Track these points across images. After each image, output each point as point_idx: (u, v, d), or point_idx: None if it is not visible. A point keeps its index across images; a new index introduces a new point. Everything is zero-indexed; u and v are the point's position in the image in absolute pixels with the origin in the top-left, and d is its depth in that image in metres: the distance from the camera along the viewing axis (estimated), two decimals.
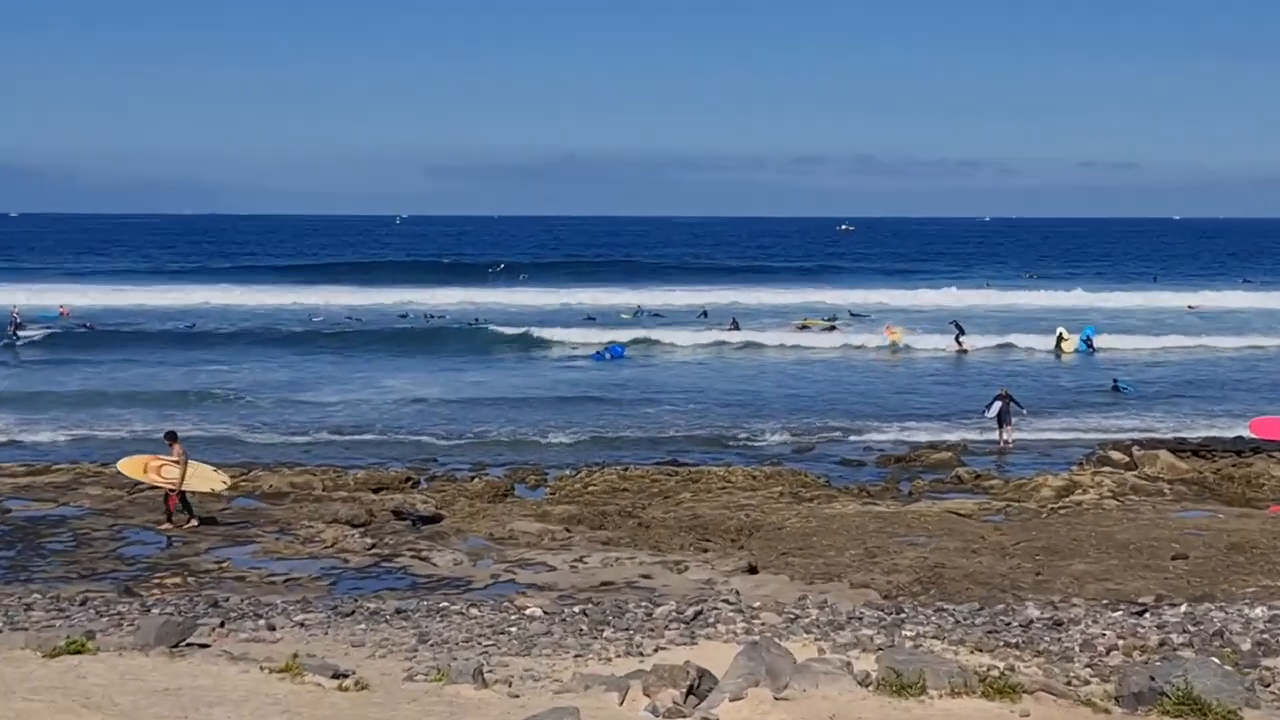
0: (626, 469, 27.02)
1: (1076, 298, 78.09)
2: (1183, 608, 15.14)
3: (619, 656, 12.40)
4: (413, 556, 19.93)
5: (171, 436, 23.38)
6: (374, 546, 20.47)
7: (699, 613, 14.53)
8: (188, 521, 22.02)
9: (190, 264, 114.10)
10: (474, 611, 15.14)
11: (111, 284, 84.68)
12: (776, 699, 8.29)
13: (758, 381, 43.95)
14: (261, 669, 9.86)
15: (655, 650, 12.67)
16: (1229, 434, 31.92)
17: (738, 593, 16.63)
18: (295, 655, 10.65)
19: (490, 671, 11.07)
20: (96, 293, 78.01)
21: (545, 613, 14.96)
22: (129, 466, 23.19)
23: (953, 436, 32.66)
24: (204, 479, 23.21)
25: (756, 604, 15.28)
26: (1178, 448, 29.24)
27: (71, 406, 36.99)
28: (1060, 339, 53.78)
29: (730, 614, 14.50)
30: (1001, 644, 12.93)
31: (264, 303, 75.93)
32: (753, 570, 18.76)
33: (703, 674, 9.06)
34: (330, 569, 19.24)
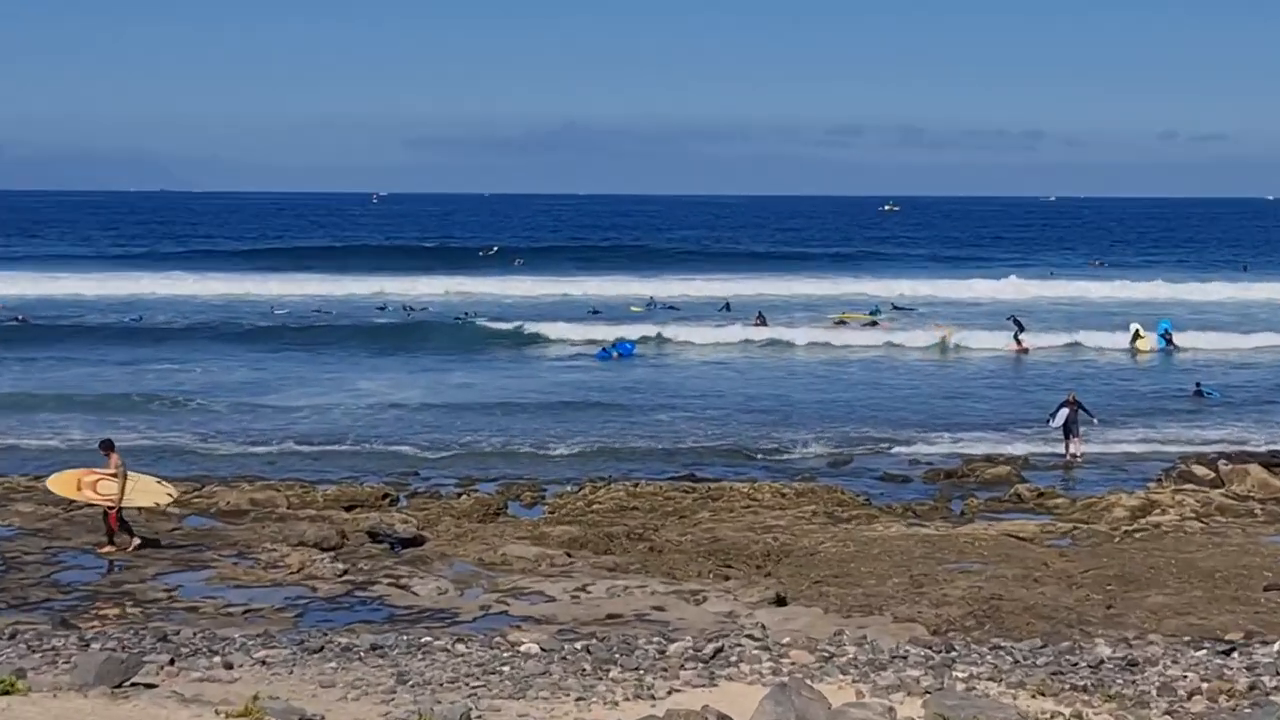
0: (636, 485, 27.02)
1: (1154, 289, 78.02)
2: (1276, 646, 15.11)
3: (627, 700, 12.40)
4: (391, 584, 19.96)
5: (108, 446, 23.35)
6: (346, 573, 20.50)
7: (719, 650, 14.52)
8: (130, 542, 22.06)
9: (136, 248, 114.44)
10: (461, 648, 15.15)
11: (45, 270, 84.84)
12: None
13: (787, 385, 43.91)
14: (217, 713, 9.89)
15: (669, 693, 12.67)
16: None
17: (764, 627, 16.62)
18: (255, 697, 10.67)
19: (479, 716, 11.08)
20: (27, 281, 78.18)
21: (543, 649, 14.96)
22: (59, 484, 23.20)
23: (1012, 448, 32.61)
24: (147, 492, 23.22)
25: (785, 640, 15.27)
26: (1271, 462, 29.15)
27: None
28: (1136, 336, 53.70)
29: (755, 651, 14.49)
30: (1067, 687, 12.91)
31: (221, 292, 76.07)
32: (781, 601, 18.75)
33: None
34: (296, 598, 19.27)
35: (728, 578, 20.30)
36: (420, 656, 14.71)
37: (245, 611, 18.44)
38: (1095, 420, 33.53)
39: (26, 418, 36.11)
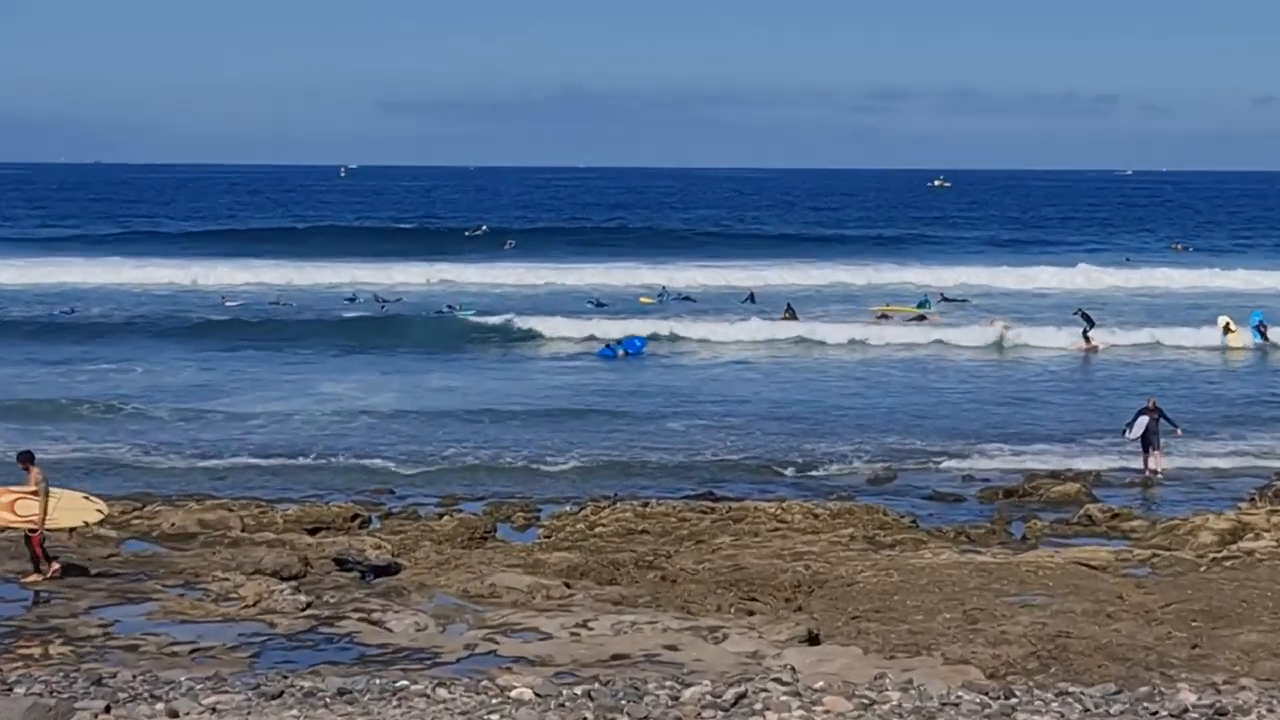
0: (645, 505, 27.02)
1: (1247, 278, 77.78)
2: None
3: None
4: (361, 619, 19.95)
5: (27, 459, 23.19)
6: (310, 606, 20.50)
7: (742, 696, 14.53)
8: (52, 569, 22.04)
9: (67, 229, 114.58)
10: (442, 693, 15.16)
11: None
12: None
13: (820, 389, 43.91)
14: None
15: None
16: None
17: (794, 669, 16.62)
18: None
19: None
20: None
21: (537, 695, 14.97)
22: None
23: (1081, 463, 32.61)
24: (72, 510, 23.07)
25: (819, 685, 15.27)
26: None
27: None
28: (1226, 332, 53.62)
29: (784, 698, 14.49)
30: None
31: (164, 281, 76.13)
32: (814, 640, 18.73)
33: None
34: (252, 636, 19.26)
35: (752, 612, 20.28)
36: (395, 703, 14.72)
37: (193, 651, 18.45)
38: (1179, 430, 33.47)
39: None
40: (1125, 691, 15.37)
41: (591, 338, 54.59)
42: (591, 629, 19.24)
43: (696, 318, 59.91)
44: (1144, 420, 32.34)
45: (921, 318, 60.91)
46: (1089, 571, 22.27)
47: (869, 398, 42.15)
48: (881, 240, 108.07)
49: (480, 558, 23.41)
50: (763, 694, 14.71)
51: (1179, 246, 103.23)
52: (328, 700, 14.84)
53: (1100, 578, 21.95)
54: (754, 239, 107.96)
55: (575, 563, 22.78)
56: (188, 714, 14.20)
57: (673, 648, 18.40)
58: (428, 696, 15.03)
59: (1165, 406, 33.77)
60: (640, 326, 55.91)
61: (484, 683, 15.88)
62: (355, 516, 26.65)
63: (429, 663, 17.89)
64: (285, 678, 16.19)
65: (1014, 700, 14.79)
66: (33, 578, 21.99)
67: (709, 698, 14.57)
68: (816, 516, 26.00)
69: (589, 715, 14.00)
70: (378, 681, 15.86)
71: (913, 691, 15.05)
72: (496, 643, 18.81)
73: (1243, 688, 15.74)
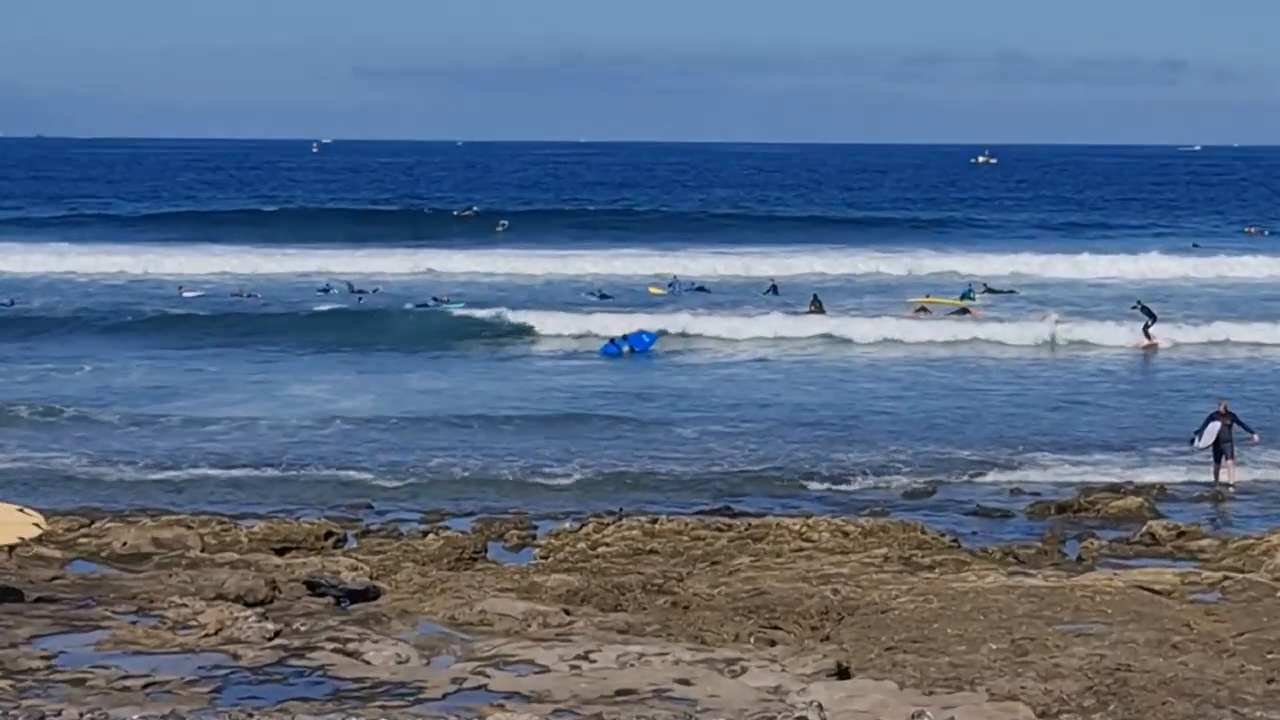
0: (654, 521, 27.03)
1: None
2: None
3: None
4: (336, 650, 19.96)
5: None
6: (278, 635, 20.52)
7: None
8: None
9: (4, 212, 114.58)
10: None
11: None
12: None
13: (851, 391, 43.93)
14: None
15: None
16: None
17: (820, 707, 16.64)
18: None
19: None
20: None
21: None
22: None
23: (1143, 475, 32.60)
24: (4, 525, 23.17)
25: None
26: None
27: None
28: None
29: None
30: None
31: (114, 270, 76.24)
32: (843, 673, 18.74)
33: None
34: (213, 668, 19.27)
35: (773, 642, 20.29)
36: None
37: (147, 685, 18.46)
38: (1255, 438, 33.49)
39: None
40: None
41: (593, 334, 54.57)
42: (594, 661, 19.25)
43: (711, 311, 60.02)
44: (1215, 427, 32.31)
45: (964, 311, 60.90)
46: (1152, 597, 22.26)
47: (905, 401, 42.16)
48: (919, 224, 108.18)
49: (469, 581, 23.41)
50: None
51: (1253, 230, 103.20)
52: None
53: (1165, 604, 21.93)
54: (776, 222, 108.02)
55: (576, 586, 22.77)
56: None
57: (685, 682, 18.40)
58: None
59: (1239, 411, 33.75)
60: (648, 321, 55.91)
61: None
62: (329, 534, 26.67)
63: (411, 699, 17.89)
64: (250, 715, 16.21)
65: None
66: None
67: None
68: (846, 535, 26.00)
69: None
70: (355, 719, 15.88)
71: None
72: (487, 676, 18.80)
73: None
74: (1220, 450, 32.11)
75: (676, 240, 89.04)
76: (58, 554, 24.74)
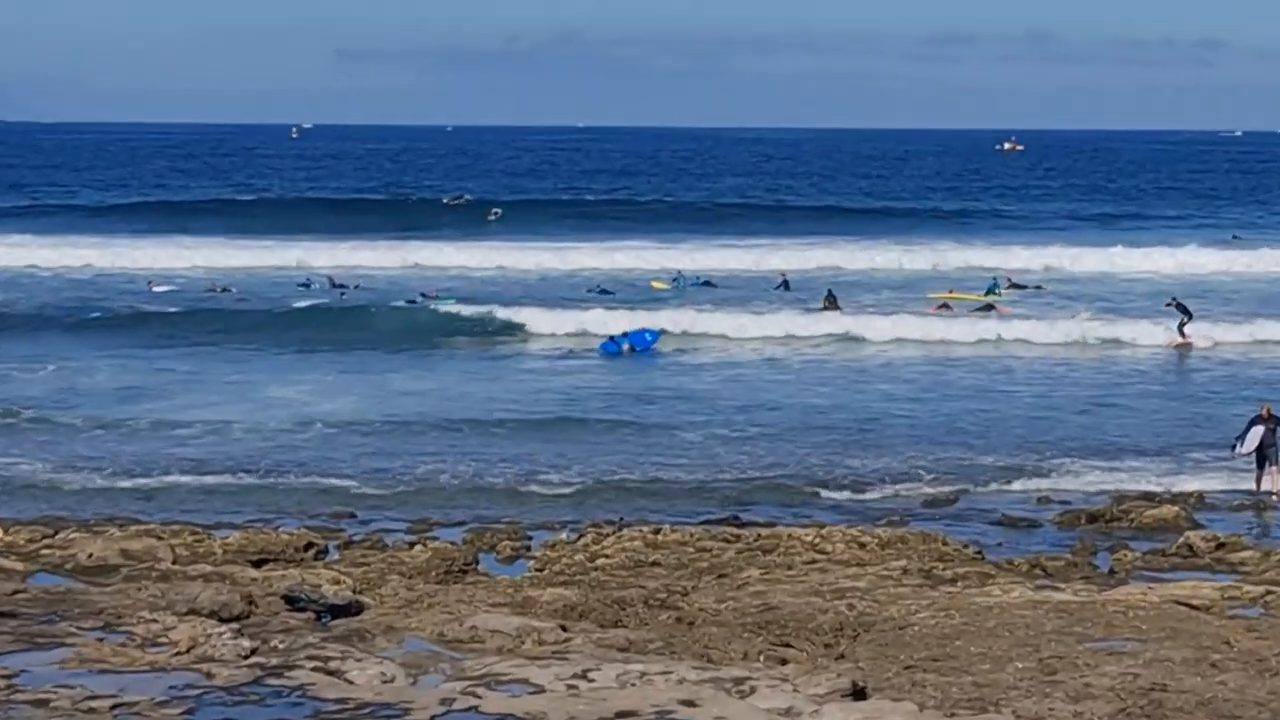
0: (657, 531, 27.05)
1: None
2: None
3: None
4: (316, 669, 20.03)
5: None
6: (254, 653, 20.61)
7: None
8: None
9: None
10: None
11: None
12: None
13: (867, 393, 43.96)
14: None
15: None
16: None
17: None
18: None
19: None
20: None
21: None
22: None
23: (1180, 482, 32.58)
24: None
25: None
26: None
27: None
28: None
29: None
30: None
31: (79, 263, 76.19)
32: (859, 694, 18.80)
33: None
34: (184, 688, 19.35)
35: (785, 660, 20.34)
36: None
37: (115, 706, 18.55)
38: None
39: None
40: None
41: (591, 332, 54.57)
42: (592, 680, 19.31)
43: (718, 307, 59.94)
44: (1258, 431, 32.32)
45: (989, 308, 60.94)
46: (1189, 612, 22.29)
47: (925, 404, 42.18)
48: (941, 214, 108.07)
49: (459, 595, 23.46)
50: None
51: None
52: None
53: (1203, 620, 21.97)
54: (788, 212, 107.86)
55: (573, 601, 22.83)
56: None
57: (690, 703, 18.48)
58: None
59: None
60: (651, 318, 55.92)
61: None
62: (309, 546, 26.69)
63: None
64: None
65: None
66: None
67: None
68: (862, 546, 26.01)
69: None
70: None
71: None
72: (478, 697, 18.88)
73: None
74: (1264, 456, 32.12)
75: (681, 232, 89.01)
76: (19, 566, 24.77)
